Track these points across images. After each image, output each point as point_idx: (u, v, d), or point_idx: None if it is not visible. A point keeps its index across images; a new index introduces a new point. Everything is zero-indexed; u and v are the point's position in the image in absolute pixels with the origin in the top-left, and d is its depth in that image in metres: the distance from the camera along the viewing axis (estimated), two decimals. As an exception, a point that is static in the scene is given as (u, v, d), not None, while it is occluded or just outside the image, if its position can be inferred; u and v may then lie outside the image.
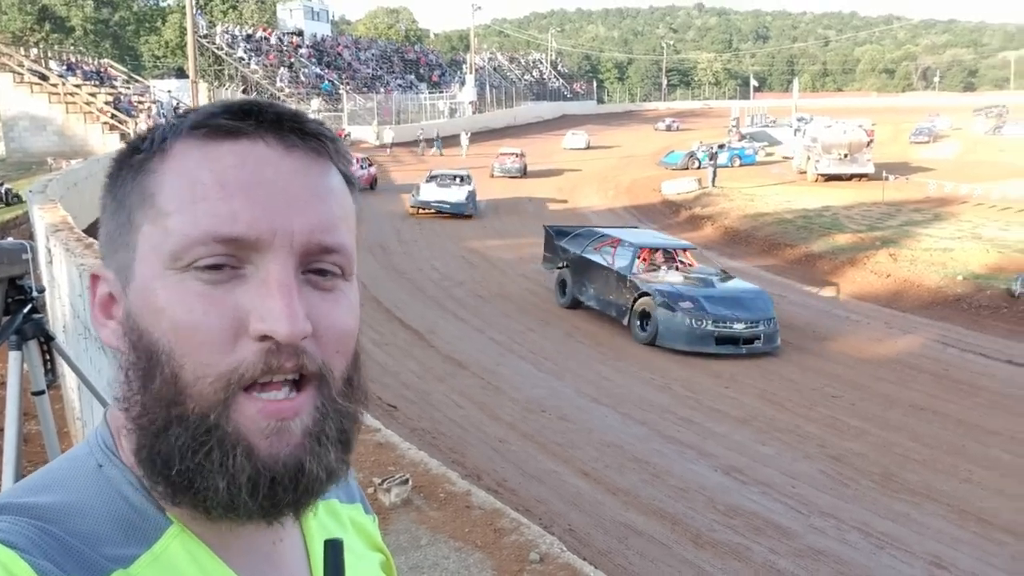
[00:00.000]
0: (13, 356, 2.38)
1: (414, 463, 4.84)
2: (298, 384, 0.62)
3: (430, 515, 4.22)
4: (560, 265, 15.79)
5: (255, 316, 0.60)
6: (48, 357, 2.46)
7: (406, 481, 4.46)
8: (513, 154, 35.86)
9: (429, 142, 42.87)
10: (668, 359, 12.38)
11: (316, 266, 0.64)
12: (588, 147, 47.47)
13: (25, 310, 2.36)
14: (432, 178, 26.65)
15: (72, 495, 0.62)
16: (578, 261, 15.13)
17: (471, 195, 25.50)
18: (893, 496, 8.03)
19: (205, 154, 0.62)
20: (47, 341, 2.45)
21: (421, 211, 25.09)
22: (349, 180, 0.70)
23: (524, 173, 34.63)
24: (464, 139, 43.30)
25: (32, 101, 32.27)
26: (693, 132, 53.77)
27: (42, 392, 2.49)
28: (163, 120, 0.67)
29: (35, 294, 2.39)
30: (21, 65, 33.16)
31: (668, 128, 60.15)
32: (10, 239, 2.69)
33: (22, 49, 37.71)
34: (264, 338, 0.59)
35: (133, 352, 0.62)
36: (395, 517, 4.14)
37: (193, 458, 0.60)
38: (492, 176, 33.72)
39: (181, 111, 0.68)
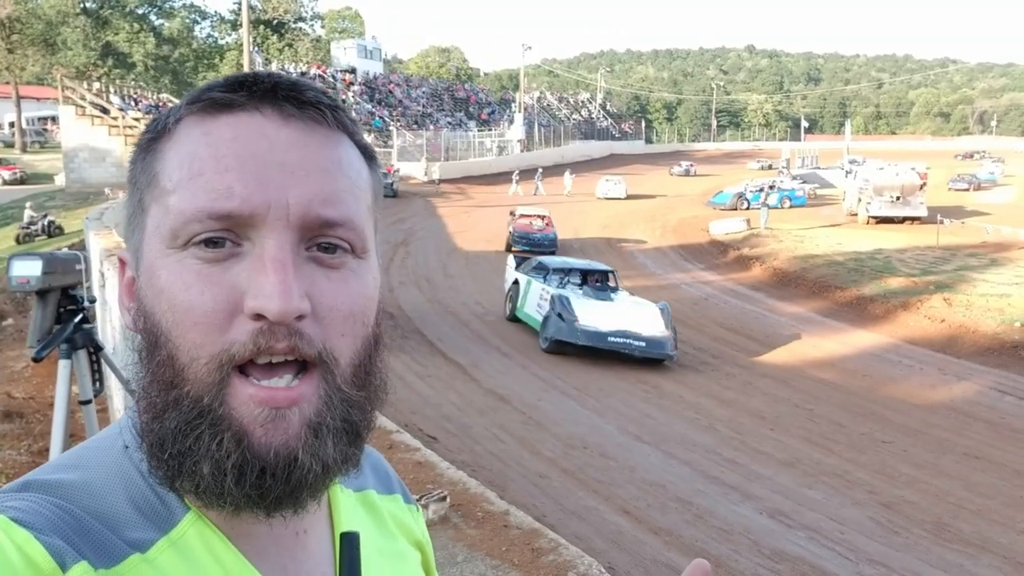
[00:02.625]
0: (63, 364, 2.42)
1: (452, 482, 4.82)
2: (303, 370, 0.60)
3: (467, 532, 4.18)
4: None
5: (249, 294, 0.58)
6: (96, 367, 2.50)
7: (444, 498, 4.44)
8: (537, 216, 25.81)
9: (527, 173, 41.07)
10: (711, 400, 12.19)
11: (321, 241, 0.61)
12: (628, 196, 39.89)
13: (76, 319, 2.40)
14: (543, 273, 15.87)
15: (96, 475, 0.61)
16: None
17: (667, 317, 14.02)
18: (946, 546, 7.74)
19: (204, 130, 0.61)
20: (96, 351, 2.49)
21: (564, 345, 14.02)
22: (365, 151, 0.67)
23: (555, 246, 24.39)
24: (568, 177, 41.73)
25: (92, 133, 33.38)
26: (715, 178, 52.38)
27: (89, 401, 2.52)
28: None
29: (86, 304, 2.43)
30: (83, 98, 34.38)
31: (686, 172, 56.60)
32: (64, 249, 2.76)
33: (85, 83, 39.12)
34: (258, 317, 0.57)
35: (141, 334, 0.62)
36: (432, 534, 4.09)
37: (184, 441, 0.58)
38: (512, 250, 23.40)
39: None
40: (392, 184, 35.26)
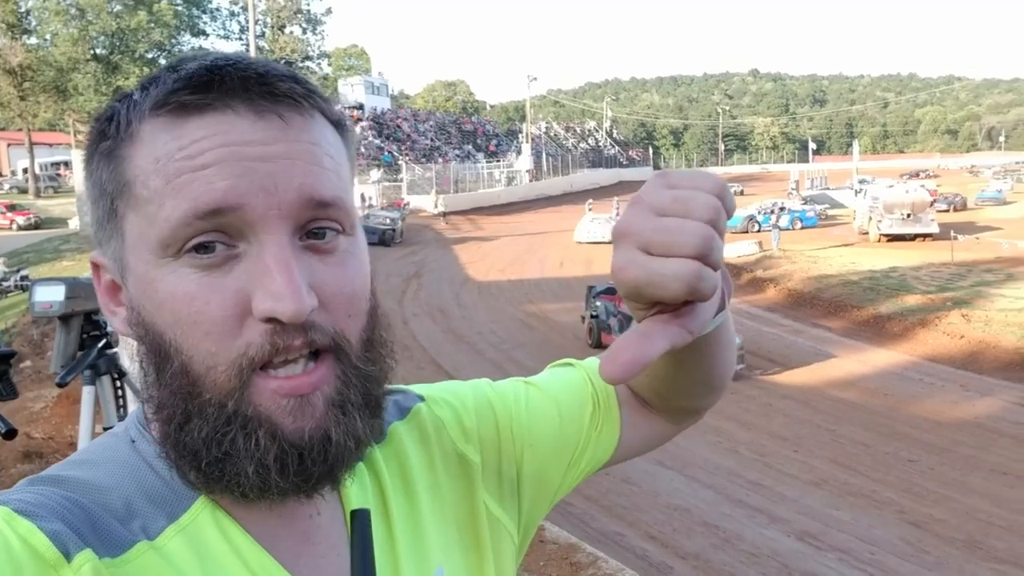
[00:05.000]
0: (87, 391, 2.39)
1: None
2: (315, 355, 0.59)
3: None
4: None
5: (257, 297, 0.56)
6: (120, 393, 2.48)
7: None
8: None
9: (600, 192, 40.00)
10: (732, 422, 12.06)
11: (312, 227, 0.60)
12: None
13: (100, 345, 2.38)
14: None
15: (105, 467, 0.61)
16: None
17: None
18: (979, 564, 7.59)
19: (174, 135, 0.58)
20: (120, 376, 2.46)
21: None
22: (337, 125, 0.66)
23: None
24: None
25: (105, 176, 33.81)
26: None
27: (113, 428, 2.48)
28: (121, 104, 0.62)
29: (109, 329, 2.41)
30: (97, 142, 34.86)
31: None
32: (87, 274, 2.75)
33: (97, 127, 39.58)
34: (270, 319, 0.56)
35: (143, 344, 0.61)
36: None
37: (219, 448, 0.58)
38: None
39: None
40: (393, 229, 32.23)
